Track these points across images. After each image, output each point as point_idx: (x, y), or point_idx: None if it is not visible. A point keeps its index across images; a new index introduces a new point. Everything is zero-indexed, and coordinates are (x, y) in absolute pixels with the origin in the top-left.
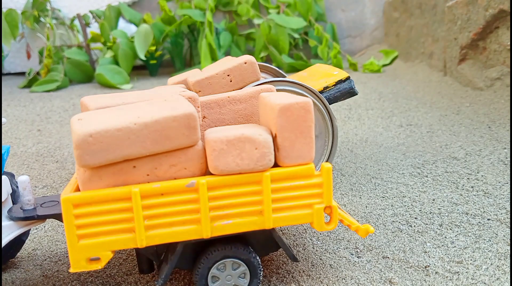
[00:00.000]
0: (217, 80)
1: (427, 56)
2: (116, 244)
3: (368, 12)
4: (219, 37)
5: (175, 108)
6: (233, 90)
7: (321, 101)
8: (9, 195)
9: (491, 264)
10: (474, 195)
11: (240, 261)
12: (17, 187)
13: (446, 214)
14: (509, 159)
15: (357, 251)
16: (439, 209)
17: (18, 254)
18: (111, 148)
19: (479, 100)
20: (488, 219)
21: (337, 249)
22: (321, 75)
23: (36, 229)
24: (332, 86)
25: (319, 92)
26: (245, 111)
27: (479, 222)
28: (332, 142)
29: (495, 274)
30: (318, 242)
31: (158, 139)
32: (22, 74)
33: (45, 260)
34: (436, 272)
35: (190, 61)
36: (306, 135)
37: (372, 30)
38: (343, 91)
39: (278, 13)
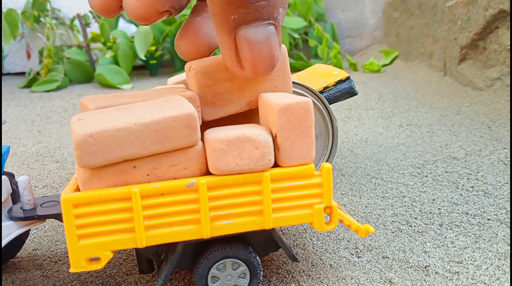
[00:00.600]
0: None
1: (427, 56)
2: (116, 244)
3: (368, 12)
4: None
5: (175, 108)
6: None
7: (321, 101)
8: (9, 195)
9: (491, 264)
10: (474, 195)
11: (240, 261)
12: (17, 187)
13: (446, 214)
14: (509, 159)
15: (357, 251)
16: (439, 209)
17: (18, 254)
18: (111, 148)
19: (479, 100)
20: (488, 219)
21: (337, 249)
22: (321, 75)
23: (36, 229)
24: (332, 86)
25: (319, 92)
26: None
27: (479, 222)
28: (332, 142)
29: (495, 274)
30: (318, 242)
31: (158, 139)
32: (22, 74)
33: (45, 260)
34: (436, 272)
35: None
36: (306, 135)
37: (372, 30)
38: (343, 91)
39: None
